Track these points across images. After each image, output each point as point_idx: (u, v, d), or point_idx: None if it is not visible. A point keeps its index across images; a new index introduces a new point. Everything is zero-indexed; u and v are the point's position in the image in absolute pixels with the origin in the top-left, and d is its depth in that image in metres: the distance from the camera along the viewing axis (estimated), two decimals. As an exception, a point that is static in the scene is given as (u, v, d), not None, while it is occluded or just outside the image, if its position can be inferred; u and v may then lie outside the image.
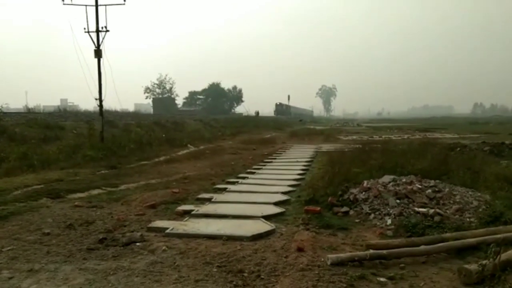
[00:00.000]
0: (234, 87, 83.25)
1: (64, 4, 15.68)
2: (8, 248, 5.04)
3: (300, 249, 4.86)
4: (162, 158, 14.88)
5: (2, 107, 18.62)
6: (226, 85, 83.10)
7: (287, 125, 49.49)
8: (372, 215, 6.39)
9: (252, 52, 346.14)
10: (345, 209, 6.80)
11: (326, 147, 20.14)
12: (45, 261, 4.64)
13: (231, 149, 18.67)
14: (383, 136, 27.23)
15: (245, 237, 5.41)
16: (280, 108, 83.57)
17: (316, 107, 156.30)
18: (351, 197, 7.19)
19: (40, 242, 5.30)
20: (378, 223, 6.08)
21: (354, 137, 28.34)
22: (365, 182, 7.76)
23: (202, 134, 26.90)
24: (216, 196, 8.16)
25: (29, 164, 11.33)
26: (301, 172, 11.55)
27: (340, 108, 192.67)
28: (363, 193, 7.18)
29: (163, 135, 21.88)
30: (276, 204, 7.40)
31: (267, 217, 6.41)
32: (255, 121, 47.47)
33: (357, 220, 6.36)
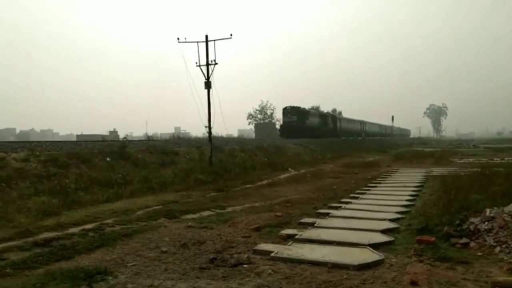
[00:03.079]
0: (334, 110, 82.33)
1: (179, 42, 17.49)
2: (132, 263, 5.63)
3: (413, 283, 4.54)
4: (264, 182, 15.29)
5: (127, 136, 21.10)
6: (326, 108, 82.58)
7: (391, 147, 47.05)
8: (498, 248, 5.69)
9: (352, 74, 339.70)
10: (464, 240, 6.20)
11: (437, 170, 18.57)
12: (163, 277, 5.06)
13: (332, 173, 18.35)
14: (506, 159, 24.16)
15: (352, 266, 5.23)
16: (294, 120, 40.56)
17: (424, 127, 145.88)
18: (471, 227, 6.51)
19: (159, 260, 5.81)
20: (505, 258, 5.42)
21: (471, 159, 25.65)
22: (487, 210, 6.99)
23: (302, 157, 26.99)
24: (319, 221, 8.06)
25: (149, 186, 12.60)
26: (410, 198, 10.81)
27: (452, 128, 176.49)
28: (486, 223, 6.46)
29: (265, 159, 22.53)
30: (384, 232, 7.04)
31: (375, 246, 6.12)
32: (357, 144, 46.04)
33: (479, 253, 5.73)
